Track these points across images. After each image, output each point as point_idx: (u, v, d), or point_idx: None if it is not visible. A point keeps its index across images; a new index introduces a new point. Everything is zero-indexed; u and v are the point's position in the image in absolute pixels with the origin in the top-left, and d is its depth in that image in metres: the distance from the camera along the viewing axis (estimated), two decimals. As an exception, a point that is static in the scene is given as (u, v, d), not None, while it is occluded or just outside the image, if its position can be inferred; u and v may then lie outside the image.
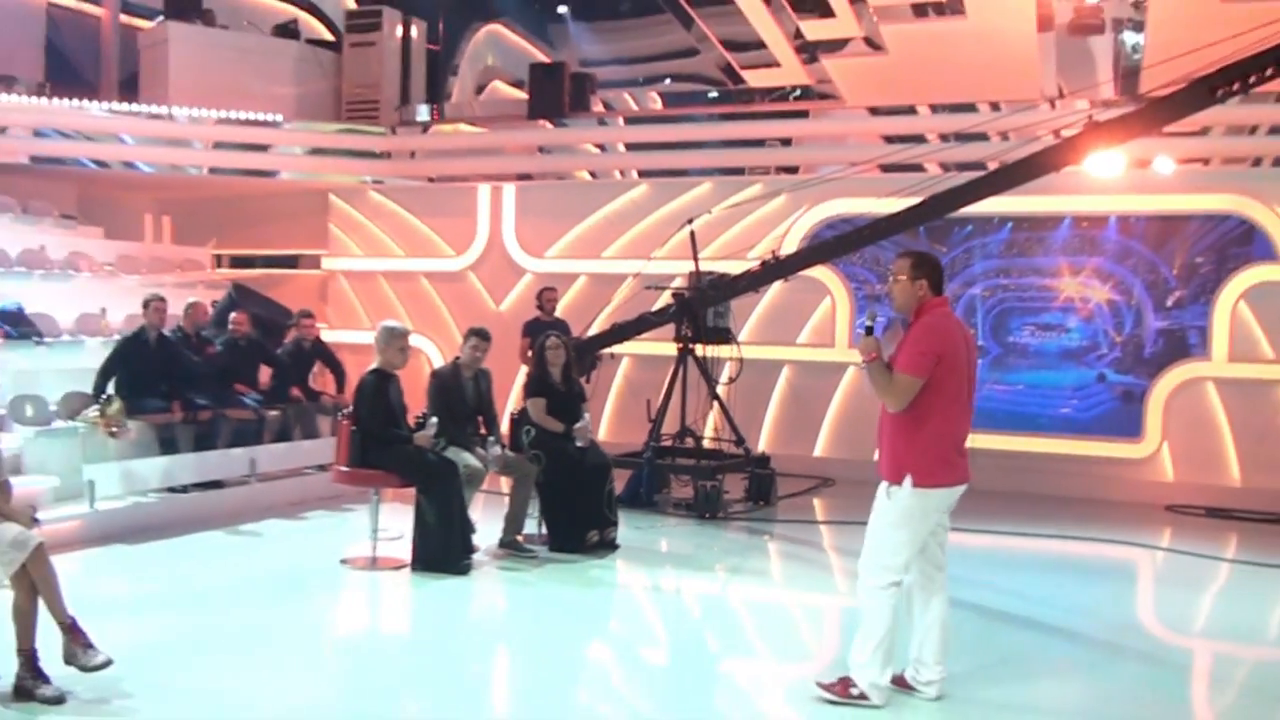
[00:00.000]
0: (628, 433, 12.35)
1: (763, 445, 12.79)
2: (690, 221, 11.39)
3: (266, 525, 9.33)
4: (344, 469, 8.07)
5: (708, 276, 11.11)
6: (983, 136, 11.42)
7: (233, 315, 10.95)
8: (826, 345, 13.07)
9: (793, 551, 9.38)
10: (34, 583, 5.17)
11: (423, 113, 16.01)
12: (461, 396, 8.49)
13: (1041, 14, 11.70)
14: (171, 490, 9.38)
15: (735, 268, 11.18)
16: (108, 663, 5.30)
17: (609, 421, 13.81)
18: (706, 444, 11.39)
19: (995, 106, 11.85)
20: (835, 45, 13.31)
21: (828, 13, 12.55)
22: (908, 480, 5.27)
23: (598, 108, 15.43)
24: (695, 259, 11.26)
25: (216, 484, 9.80)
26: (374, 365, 8.07)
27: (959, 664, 6.03)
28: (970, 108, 12.08)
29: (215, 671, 5.77)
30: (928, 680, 5.54)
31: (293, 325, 11.49)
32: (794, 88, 14.32)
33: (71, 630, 5.29)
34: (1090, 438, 11.94)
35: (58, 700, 5.11)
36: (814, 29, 13.05)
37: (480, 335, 8.62)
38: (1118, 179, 11.70)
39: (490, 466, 8.43)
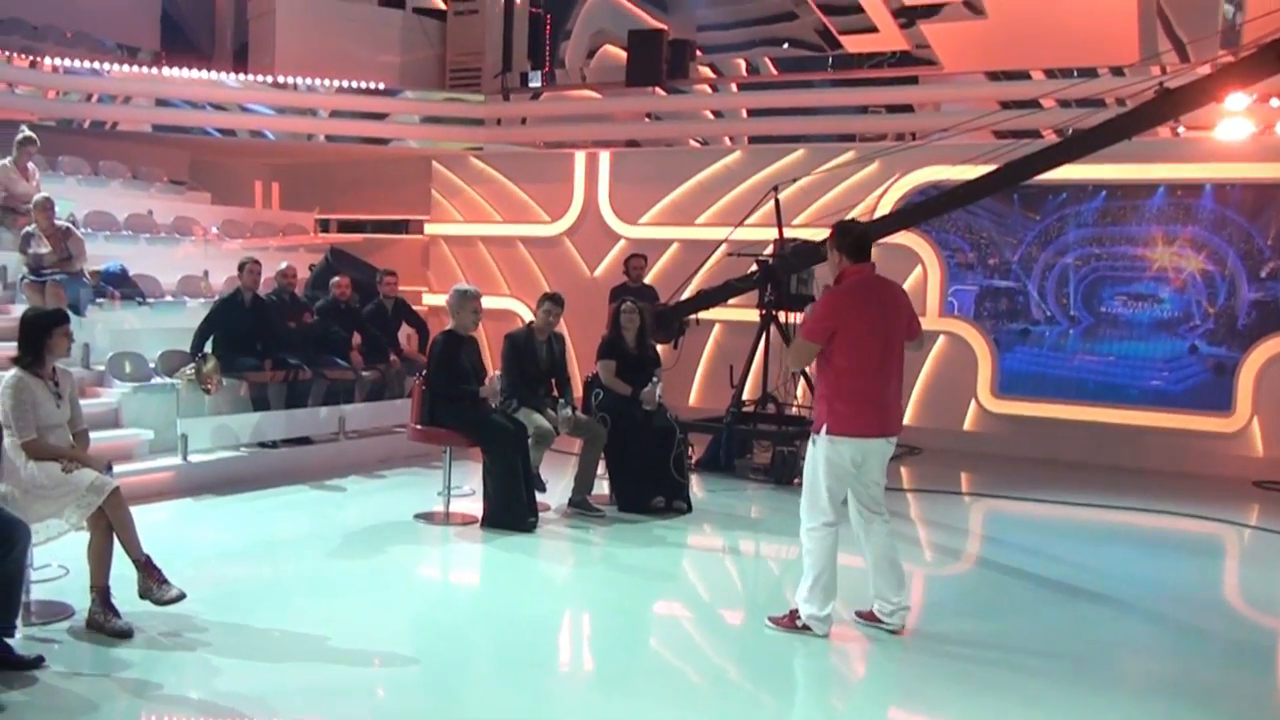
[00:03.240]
0: (717, 398, 12.44)
1: (851, 413, 12.80)
2: (776, 189, 11.44)
3: (351, 481, 9.70)
4: (417, 427, 8.38)
5: (791, 243, 11.15)
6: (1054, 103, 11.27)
7: (335, 279, 11.30)
8: (918, 313, 12.95)
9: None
10: (110, 524, 5.54)
11: (535, 79, 16.27)
12: (534, 359, 8.70)
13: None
14: (262, 445, 9.79)
15: (824, 235, 11.17)
16: (180, 596, 5.67)
17: (699, 387, 13.96)
18: (795, 410, 11.45)
19: (1118, 71, 11.50)
20: (933, 10, 13.23)
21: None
22: (824, 430, 5.80)
23: (705, 72, 15.49)
24: (779, 226, 11.31)
25: (306, 440, 10.18)
26: (448, 327, 8.34)
27: (1042, 637, 6.16)
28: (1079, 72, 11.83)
29: (286, 613, 6.11)
30: (889, 612, 6.04)
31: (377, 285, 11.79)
32: (891, 53, 14.22)
33: (146, 567, 5.67)
34: (1180, 411, 11.70)
35: (127, 633, 5.47)
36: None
37: (553, 300, 8.83)
38: (1213, 147, 11.46)
39: (560, 428, 8.63)
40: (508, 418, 8.26)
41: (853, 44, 14.50)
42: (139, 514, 5.94)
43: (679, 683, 5.50)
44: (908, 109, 13.32)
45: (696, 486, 9.94)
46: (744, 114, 14.42)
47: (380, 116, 15.05)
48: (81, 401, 8.73)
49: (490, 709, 5.01)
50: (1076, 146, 9.07)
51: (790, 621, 5.96)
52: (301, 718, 4.76)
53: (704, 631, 6.42)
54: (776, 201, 11.33)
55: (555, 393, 8.89)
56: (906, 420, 12.79)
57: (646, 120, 14.83)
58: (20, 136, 10.86)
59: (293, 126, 14.65)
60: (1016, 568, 7.76)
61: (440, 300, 14.83)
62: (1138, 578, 7.62)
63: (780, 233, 11.27)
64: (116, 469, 8.13)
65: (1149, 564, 8.10)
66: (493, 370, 8.62)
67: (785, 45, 16.49)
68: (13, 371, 5.63)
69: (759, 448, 11.29)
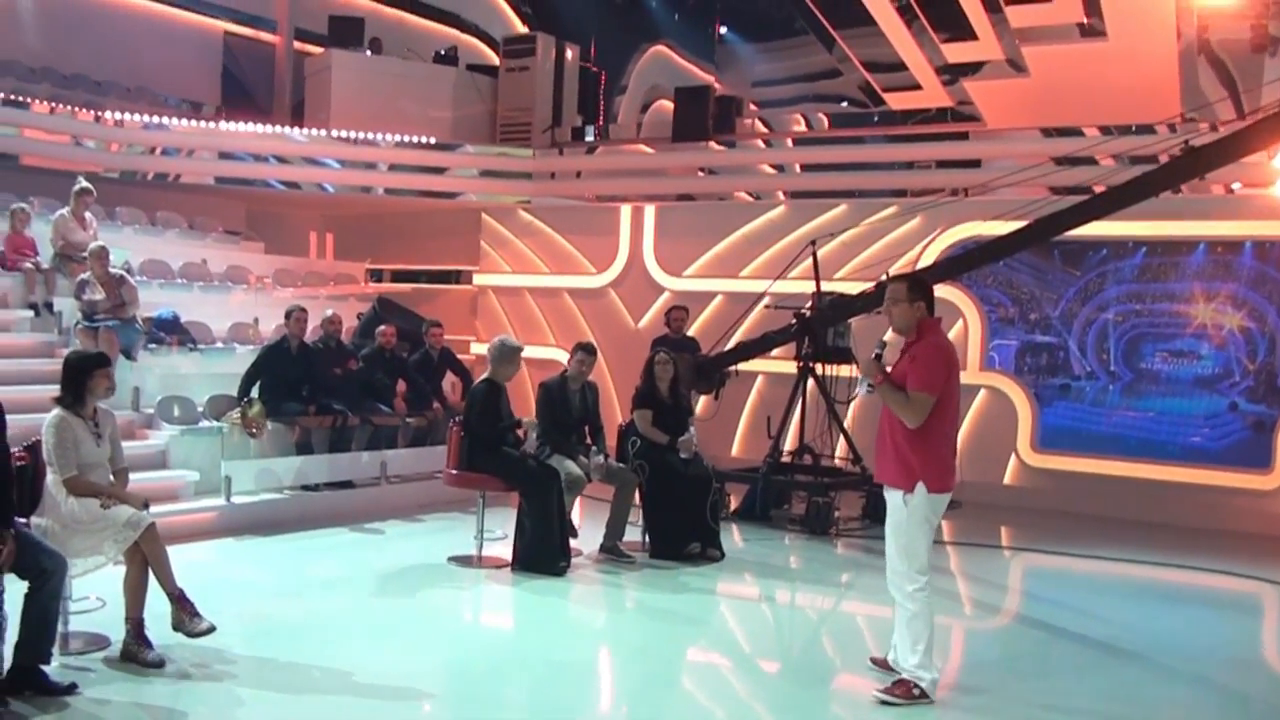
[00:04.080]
0: (759, 449, 12.44)
1: (893, 466, 12.88)
2: (814, 244, 11.59)
3: (390, 524, 9.86)
4: (453, 472, 8.55)
5: (828, 297, 11.27)
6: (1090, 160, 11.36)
7: (381, 328, 11.55)
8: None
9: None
10: (145, 558, 5.74)
11: (589, 133, 16.56)
12: (567, 407, 8.86)
13: (1185, 33, 11.61)
14: (305, 488, 10.00)
15: (860, 288, 11.28)
16: (211, 629, 5.88)
17: (741, 438, 14.03)
18: (834, 461, 11.50)
19: (1172, 128, 11.40)
20: (976, 67, 13.36)
21: (970, 35, 12.63)
22: (920, 487, 5.66)
23: (758, 128, 15.72)
24: (817, 279, 11.43)
25: (348, 484, 10.39)
26: (485, 376, 8.54)
27: (1083, 697, 6.09)
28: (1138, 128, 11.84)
29: (315, 649, 6.27)
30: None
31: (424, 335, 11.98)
32: (937, 109, 14.36)
33: (179, 600, 5.87)
34: (1219, 468, 11.58)
35: (159, 664, 5.67)
36: (956, 51, 13.13)
37: (586, 350, 9.00)
38: (1256, 204, 11.45)
39: (592, 475, 8.76)
40: (540, 463, 8.42)
41: (896, 101, 14.67)
42: (183, 552, 6.15)
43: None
44: (959, 165, 13.32)
45: (734, 535, 10.03)
46: (798, 168, 14.47)
47: (439, 170, 15.37)
48: (130, 443, 9.09)
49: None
50: (1103, 204, 9.14)
51: (907, 691, 5.73)
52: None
53: (733, 677, 6.46)
54: (814, 256, 11.47)
55: (588, 440, 9.03)
56: (947, 474, 12.86)
57: (700, 174, 14.97)
58: (77, 187, 11.27)
59: (351, 179, 15.00)
60: (1056, 625, 7.68)
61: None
62: (1177, 636, 7.55)
63: (817, 286, 11.38)
64: (162, 509, 8.45)
65: (1188, 623, 8.03)
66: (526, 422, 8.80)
67: (844, 104, 16.70)
68: (55, 411, 5.86)
69: (796, 498, 11.34)
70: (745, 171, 14.77)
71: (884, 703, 5.72)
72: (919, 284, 5.92)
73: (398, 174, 15.17)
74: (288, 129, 14.97)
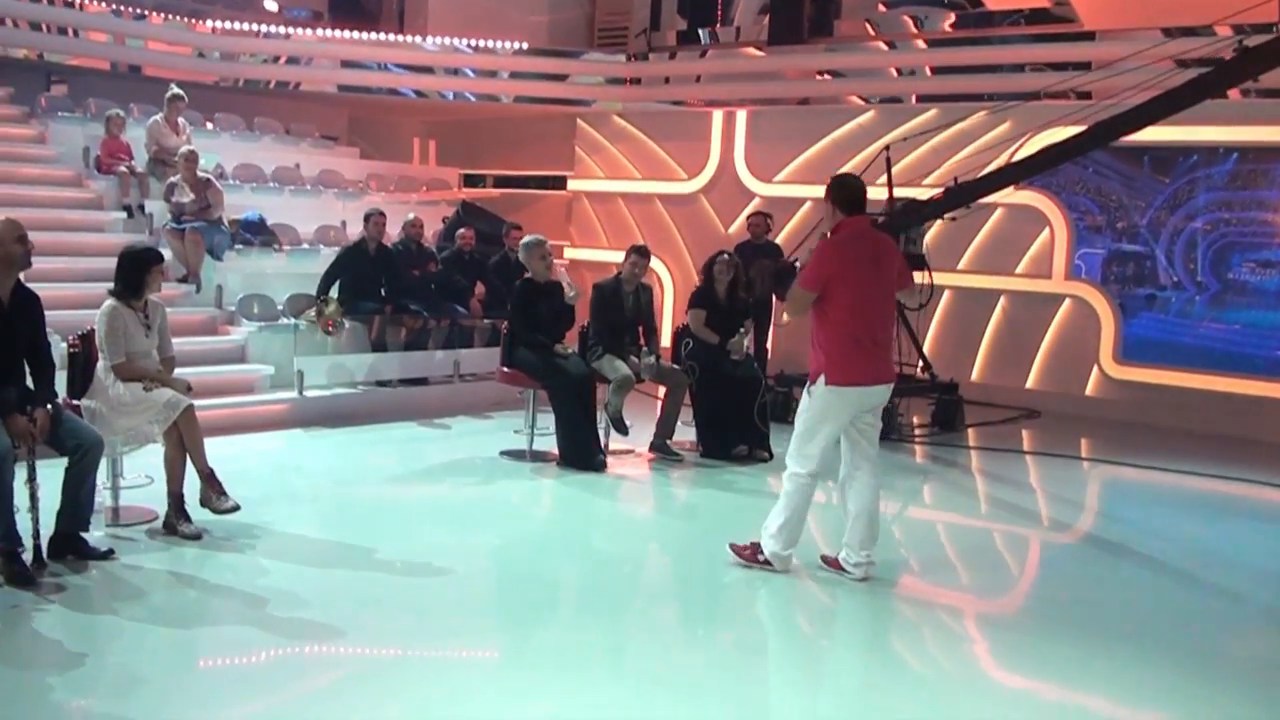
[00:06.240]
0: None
1: (975, 375, 12.90)
2: (887, 148, 11.51)
3: (458, 421, 10.26)
4: (503, 370, 8.88)
5: (900, 203, 11.21)
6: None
7: (460, 231, 11.88)
8: (1044, 276, 12.87)
9: (952, 477, 9.41)
10: (182, 438, 6.17)
11: (705, 36, 16.41)
12: (620, 308, 9.04)
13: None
14: (379, 384, 10.43)
15: (933, 194, 11.19)
16: (235, 508, 6.32)
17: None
18: (917, 371, 11.50)
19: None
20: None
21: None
22: (821, 379, 5.91)
23: (847, 30, 15.41)
24: (890, 185, 11.37)
25: (422, 381, 10.78)
26: (527, 275, 8.81)
27: (1164, 617, 5.95)
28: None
29: (349, 529, 6.69)
30: (855, 563, 6.14)
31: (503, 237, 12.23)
32: (1031, 10, 13.96)
33: (209, 479, 6.31)
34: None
35: (196, 536, 6.16)
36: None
37: (640, 253, 9.17)
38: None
39: (643, 374, 8.97)
40: (569, 360, 8.66)
41: (994, 1, 14.31)
42: (251, 441, 6.44)
43: (725, 616, 5.78)
44: (1070, 67, 12.87)
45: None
46: (915, 71, 14.25)
47: (559, 77, 15.59)
48: (211, 338, 9.66)
49: (516, 621, 5.44)
50: (1155, 109, 8.86)
51: (753, 555, 6.16)
52: (327, 609, 5.24)
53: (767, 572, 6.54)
54: (888, 161, 11.40)
55: (641, 341, 9.23)
56: (1029, 384, 12.80)
57: (817, 78, 14.71)
58: (170, 94, 11.75)
59: (472, 87, 15.32)
60: (1126, 543, 7.48)
61: (580, 255, 15.47)
62: (1254, 557, 7.36)
63: (890, 192, 11.32)
64: (237, 400, 9.02)
65: (1267, 542, 7.86)
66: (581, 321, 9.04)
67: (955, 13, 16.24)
68: (108, 301, 6.27)
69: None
70: (846, 75, 14.55)
71: (731, 559, 6.23)
72: (836, 186, 6.06)
73: (517, 81, 15.45)
74: (417, 38, 15.27)
